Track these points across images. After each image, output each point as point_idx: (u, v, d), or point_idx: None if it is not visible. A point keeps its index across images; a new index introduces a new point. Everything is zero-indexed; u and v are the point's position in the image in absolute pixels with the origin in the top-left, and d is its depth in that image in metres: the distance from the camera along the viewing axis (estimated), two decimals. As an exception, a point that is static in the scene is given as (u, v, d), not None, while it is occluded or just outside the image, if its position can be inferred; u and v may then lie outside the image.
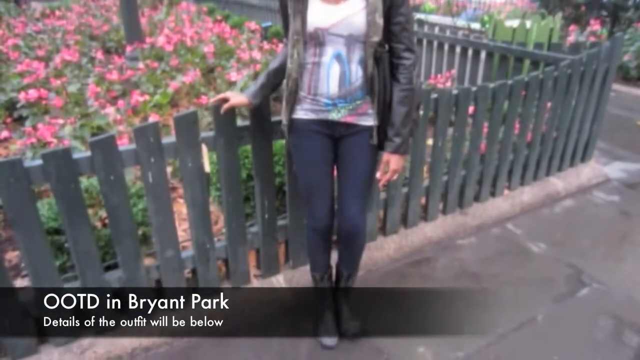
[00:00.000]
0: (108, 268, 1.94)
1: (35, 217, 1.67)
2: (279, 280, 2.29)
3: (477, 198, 3.04)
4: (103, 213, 2.00)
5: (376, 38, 1.56)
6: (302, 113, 1.73)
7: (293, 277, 2.32)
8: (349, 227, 1.87)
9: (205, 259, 2.06)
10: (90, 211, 1.94)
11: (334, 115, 1.70)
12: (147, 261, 2.03)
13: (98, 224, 2.02)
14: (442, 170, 2.73)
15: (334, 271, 2.08)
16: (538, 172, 3.33)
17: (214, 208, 2.59)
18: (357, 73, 1.63)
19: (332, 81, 1.64)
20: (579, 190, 3.43)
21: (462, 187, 2.90)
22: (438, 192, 2.77)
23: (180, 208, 2.69)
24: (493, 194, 3.12)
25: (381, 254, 2.55)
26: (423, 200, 2.77)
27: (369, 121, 1.70)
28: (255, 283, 2.26)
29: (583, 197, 3.36)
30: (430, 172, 2.69)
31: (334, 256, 2.05)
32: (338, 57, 1.61)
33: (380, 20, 1.54)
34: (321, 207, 1.83)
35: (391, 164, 1.72)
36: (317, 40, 1.61)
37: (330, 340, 1.98)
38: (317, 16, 1.57)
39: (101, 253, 1.93)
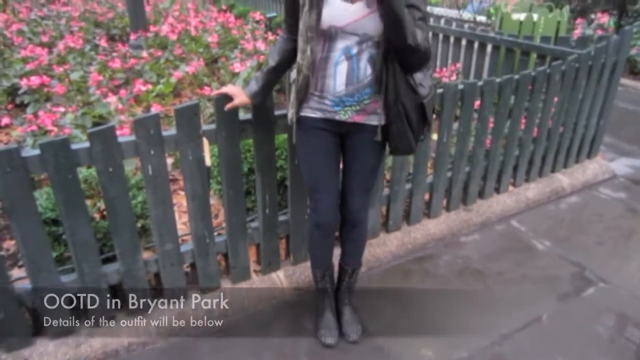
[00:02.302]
0: (106, 260, 1.92)
1: (32, 207, 1.65)
2: (280, 276, 2.26)
3: (481, 194, 3.00)
4: (102, 204, 1.97)
5: None
6: (309, 111, 1.68)
7: (294, 273, 2.29)
8: (352, 219, 1.87)
9: (204, 253, 2.04)
10: (88, 202, 1.92)
11: (342, 116, 1.65)
12: (146, 254, 2.00)
13: (96, 216, 1.99)
14: (447, 165, 2.69)
15: (335, 269, 2.06)
16: (543, 168, 3.29)
17: (214, 201, 2.57)
18: (365, 71, 1.58)
19: (339, 78, 1.58)
20: (584, 186, 3.39)
21: (467, 183, 2.86)
22: (442, 188, 2.73)
23: (181, 200, 2.66)
24: (497, 190, 3.08)
25: (383, 251, 2.52)
26: (426, 197, 2.74)
27: (376, 120, 1.67)
28: (255, 278, 2.24)
29: (589, 194, 3.32)
30: (434, 168, 2.65)
31: (336, 253, 2.03)
32: (347, 53, 1.56)
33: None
34: (325, 203, 1.79)
35: None
36: (327, 36, 1.55)
37: (331, 339, 1.95)
38: (333, 13, 1.52)
39: (99, 245, 1.91)
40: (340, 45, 1.55)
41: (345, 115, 1.65)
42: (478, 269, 2.50)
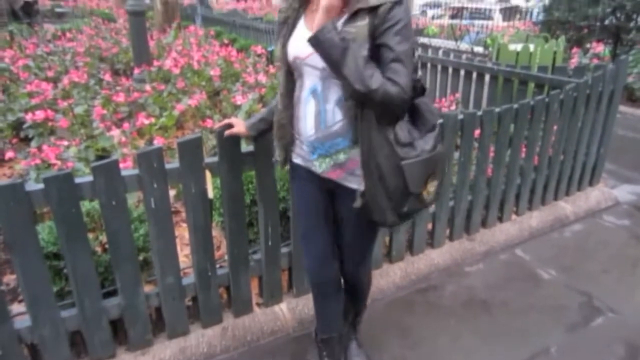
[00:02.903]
0: (107, 294, 1.90)
1: (34, 241, 1.64)
2: (282, 309, 2.23)
3: (484, 223, 2.99)
4: (104, 237, 1.96)
5: None
6: (295, 156, 1.58)
7: (297, 305, 2.26)
8: (348, 279, 1.78)
9: (206, 286, 2.02)
10: (90, 235, 1.91)
11: (317, 167, 1.48)
12: (147, 288, 1.98)
13: (98, 249, 1.99)
14: (449, 195, 2.68)
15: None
16: (546, 196, 3.28)
17: (216, 233, 2.56)
18: (334, 115, 1.38)
19: (309, 120, 1.43)
20: (588, 214, 3.37)
21: (469, 212, 2.85)
22: (444, 217, 2.72)
23: (183, 232, 2.65)
24: (500, 219, 3.07)
25: (387, 282, 2.50)
26: (429, 226, 2.72)
27: (355, 183, 1.44)
28: (258, 311, 2.21)
29: (593, 221, 3.30)
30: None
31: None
32: (314, 92, 1.40)
33: (357, 53, 1.26)
34: (312, 258, 1.65)
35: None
36: (298, 71, 1.44)
37: None
38: (297, 43, 1.40)
39: (100, 279, 1.89)
40: (307, 81, 1.41)
41: (320, 167, 1.47)
42: (483, 299, 2.47)
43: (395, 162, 1.33)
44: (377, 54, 1.29)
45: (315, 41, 1.26)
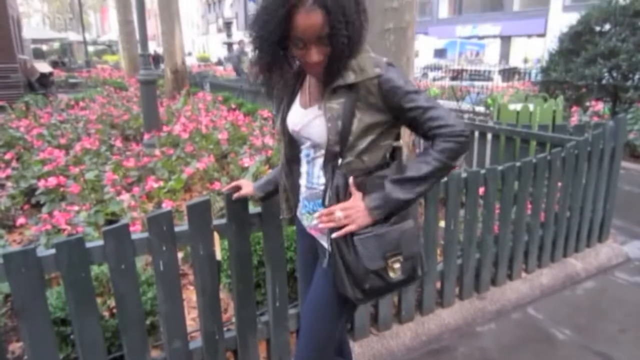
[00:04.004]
0: (113, 361, 1.87)
1: (44, 307, 1.64)
2: (290, 373, 2.18)
3: (494, 281, 2.95)
4: (111, 302, 1.96)
5: (337, 148, 1.34)
6: (298, 208, 1.60)
7: (305, 369, 2.20)
8: None
9: (213, 350, 1.98)
10: (98, 300, 1.91)
11: (304, 221, 1.54)
12: (154, 353, 1.95)
13: (106, 314, 1.98)
14: (456, 252, 2.68)
15: None
16: (555, 252, 3.25)
17: (223, 295, 2.54)
18: (319, 178, 1.44)
19: (303, 178, 1.52)
20: (599, 271, 3.32)
21: (478, 270, 2.83)
22: (453, 275, 2.70)
23: (190, 295, 2.64)
24: (510, 277, 3.03)
25: (397, 343, 2.44)
26: (438, 285, 2.69)
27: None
28: (266, 376, 2.16)
29: (605, 278, 3.25)
30: (444, 255, 2.64)
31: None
32: (307, 155, 1.49)
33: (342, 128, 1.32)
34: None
35: (348, 204, 1.31)
36: (298, 140, 1.52)
37: None
38: (292, 119, 1.49)
39: (107, 344, 1.87)
40: (304, 147, 1.50)
41: (307, 221, 1.52)
42: (497, 361, 2.39)
43: (350, 236, 1.31)
44: (409, 123, 1.34)
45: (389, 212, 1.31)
